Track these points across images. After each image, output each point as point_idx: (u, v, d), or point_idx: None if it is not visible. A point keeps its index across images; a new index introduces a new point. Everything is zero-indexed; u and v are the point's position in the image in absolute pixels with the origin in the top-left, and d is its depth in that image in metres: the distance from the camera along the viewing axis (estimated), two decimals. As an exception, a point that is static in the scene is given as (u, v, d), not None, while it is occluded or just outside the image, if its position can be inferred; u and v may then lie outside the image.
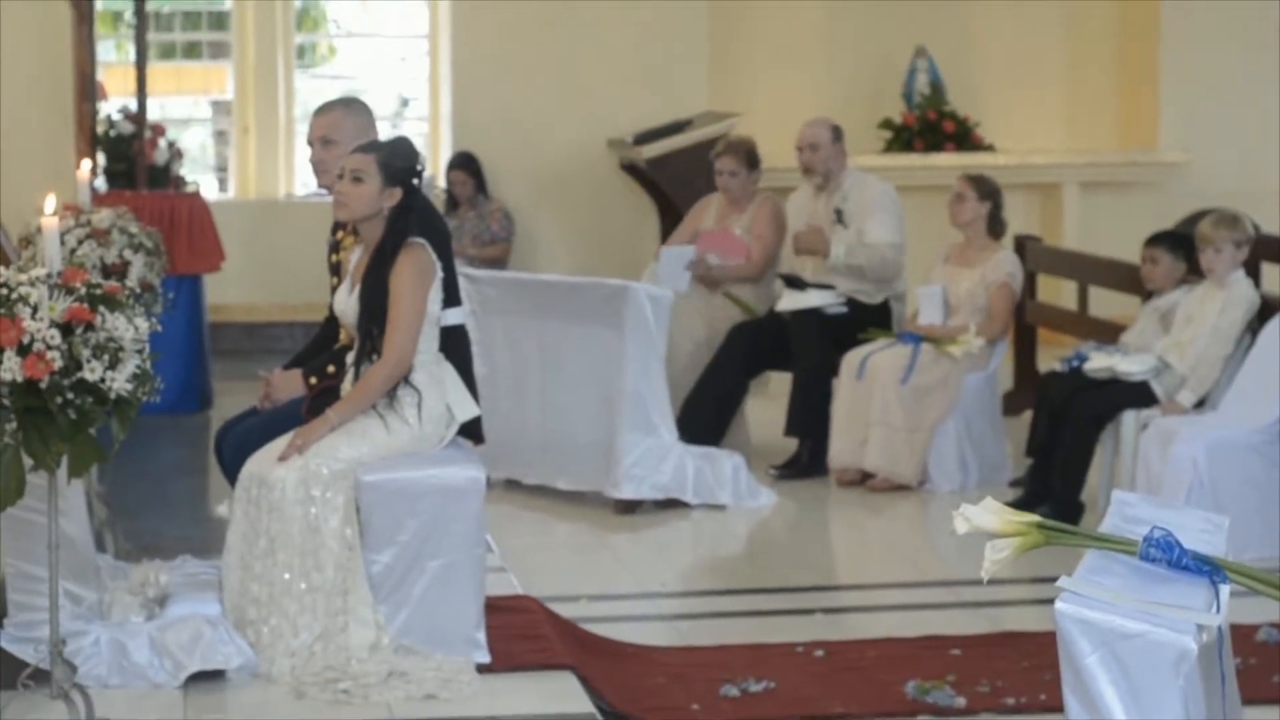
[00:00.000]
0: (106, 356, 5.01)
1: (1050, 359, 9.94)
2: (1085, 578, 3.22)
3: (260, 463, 6.06)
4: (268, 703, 5.75)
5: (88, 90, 11.48)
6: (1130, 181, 13.51)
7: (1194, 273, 8.59)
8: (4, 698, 5.41)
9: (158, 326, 5.31)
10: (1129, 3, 13.73)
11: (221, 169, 14.41)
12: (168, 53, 14.34)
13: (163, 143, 12.05)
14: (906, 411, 9.15)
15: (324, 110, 6.64)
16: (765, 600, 7.37)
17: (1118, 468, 8.45)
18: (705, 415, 9.44)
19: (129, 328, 5.08)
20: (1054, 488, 8.44)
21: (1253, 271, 8.95)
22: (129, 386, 5.04)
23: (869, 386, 9.21)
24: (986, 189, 9.45)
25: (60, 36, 11.74)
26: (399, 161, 6.10)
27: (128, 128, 11.90)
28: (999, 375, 9.55)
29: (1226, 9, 13.36)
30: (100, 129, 11.80)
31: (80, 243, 7.03)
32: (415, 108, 14.53)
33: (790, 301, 9.65)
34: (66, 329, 5.00)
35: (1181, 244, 8.72)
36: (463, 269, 7.94)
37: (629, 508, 8.66)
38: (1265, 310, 8.27)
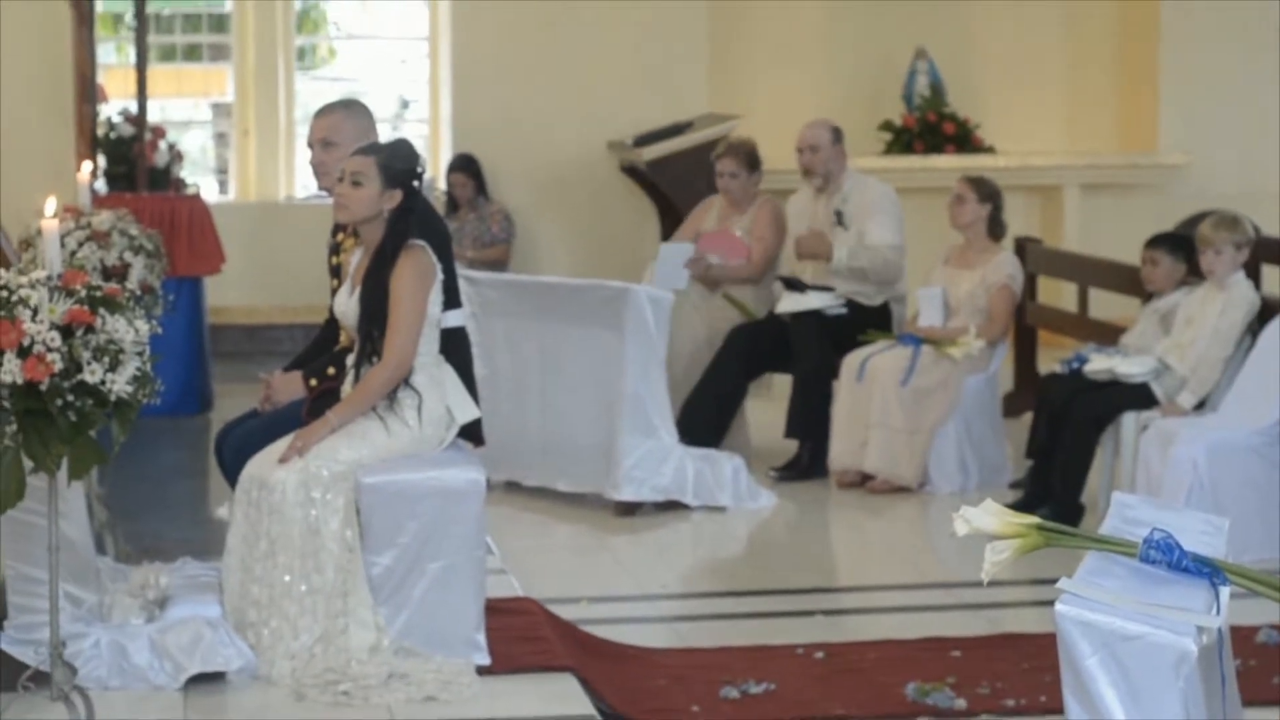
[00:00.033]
0: (107, 359, 5.01)
1: (1050, 361, 9.94)
2: (1085, 579, 3.21)
3: (260, 465, 6.06)
4: (268, 705, 5.75)
5: (88, 92, 11.48)
6: (1130, 183, 13.51)
7: (1194, 274, 8.59)
8: (4, 700, 5.41)
9: (158, 329, 5.30)
10: (1129, 3, 13.74)
11: (222, 171, 14.42)
12: (168, 55, 14.35)
13: (163, 145, 12.06)
14: (906, 413, 9.15)
15: (324, 112, 6.64)
16: (765, 602, 7.37)
17: (1118, 469, 8.45)
18: (705, 417, 9.44)
19: (129, 330, 5.08)
20: (1054, 489, 8.44)
21: (1253, 273, 8.95)
22: (129, 389, 5.04)
23: (869, 388, 9.22)
24: (986, 191, 9.46)
25: (60, 38, 11.75)
26: (399, 164, 6.10)
27: (128, 130, 11.91)
28: (999, 377, 9.55)
29: (1226, 9, 13.36)
30: (101, 131, 11.81)
31: (80, 245, 7.03)
32: (415, 110, 14.54)
33: (789, 304, 9.65)
34: (67, 331, 5.00)
35: (1181, 246, 8.72)
36: (463, 271, 7.94)
37: (629, 510, 8.66)
38: (1265, 312, 8.27)
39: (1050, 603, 3.20)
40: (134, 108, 11.79)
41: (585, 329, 8.80)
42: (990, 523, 3.36)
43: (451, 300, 6.29)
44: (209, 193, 13.53)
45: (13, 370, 4.93)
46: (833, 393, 9.42)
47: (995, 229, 9.48)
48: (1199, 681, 3.06)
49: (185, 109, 14.80)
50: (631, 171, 12.77)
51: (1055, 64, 13.83)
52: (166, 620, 6.01)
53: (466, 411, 6.24)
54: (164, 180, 11.89)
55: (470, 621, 6.06)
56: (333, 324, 6.53)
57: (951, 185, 9.65)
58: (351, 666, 5.86)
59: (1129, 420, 8.34)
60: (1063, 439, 8.42)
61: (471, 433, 6.31)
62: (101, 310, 5.06)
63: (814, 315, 9.57)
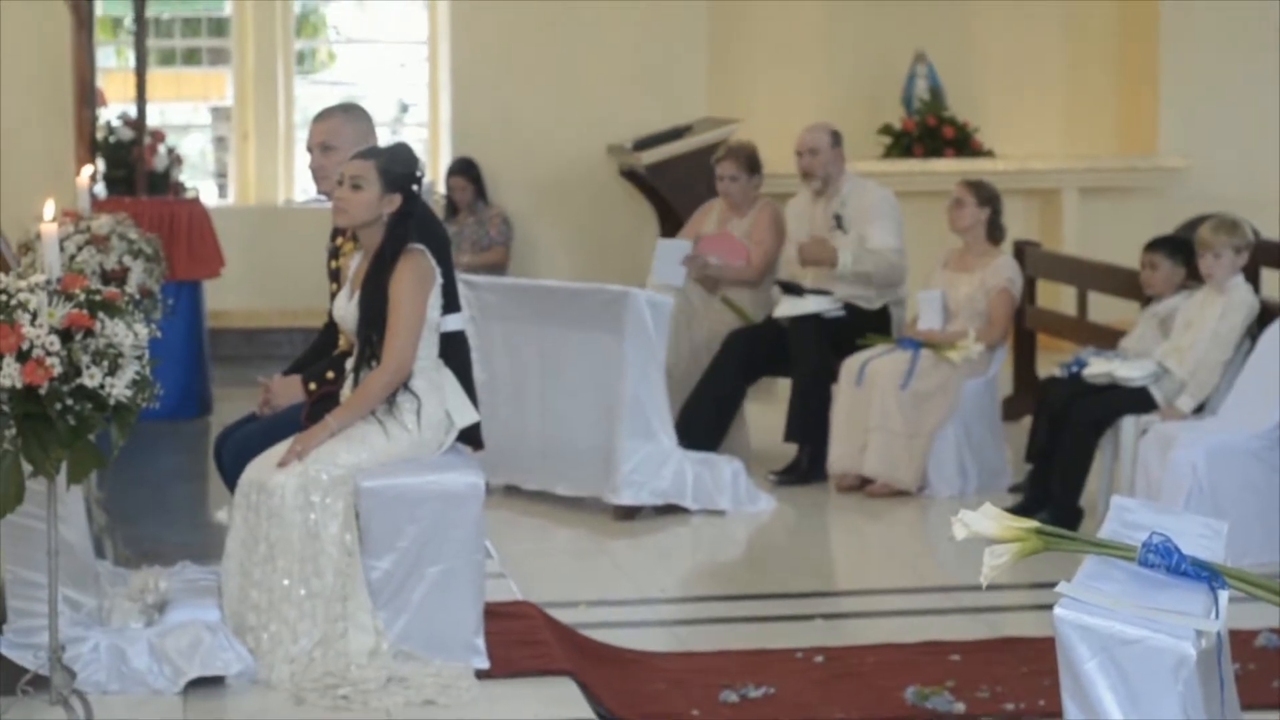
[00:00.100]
0: (106, 362, 5.01)
1: (1049, 364, 9.94)
2: (1084, 583, 3.21)
3: (260, 469, 6.06)
4: (267, 709, 5.75)
5: (87, 96, 11.48)
6: (1129, 187, 13.52)
7: (1193, 278, 8.59)
8: (3, 703, 5.41)
9: (157, 333, 5.31)
10: (1129, 3, 13.74)
11: (221, 175, 14.42)
12: (167, 59, 14.35)
13: (162, 149, 12.05)
14: (906, 417, 9.15)
15: (324, 116, 6.64)
16: (764, 606, 7.37)
17: (1117, 473, 8.45)
18: (703, 421, 9.44)
19: (128, 334, 5.08)
20: (1053, 493, 8.44)
21: (1252, 277, 8.96)
22: (128, 392, 5.04)
23: (868, 392, 9.22)
24: (986, 194, 9.46)
25: (60, 42, 11.75)
26: (398, 168, 6.10)
27: (127, 134, 11.91)
28: (998, 380, 9.55)
29: (1226, 9, 13.37)
30: (100, 135, 11.81)
31: (80, 249, 7.03)
32: (415, 113, 14.53)
33: (787, 308, 9.65)
34: (66, 335, 5.00)
35: (1181, 249, 8.73)
36: (462, 275, 7.95)
37: (628, 513, 8.66)
38: (1265, 315, 8.27)
39: (1049, 606, 3.20)
40: (133, 112, 11.79)
41: (584, 333, 8.80)
42: (989, 527, 3.36)
43: (451, 304, 6.29)
44: (208, 197, 13.53)
45: (12, 374, 4.93)
46: (832, 396, 9.42)
47: (994, 232, 9.48)
48: (1198, 685, 3.06)
49: (184, 113, 14.79)
50: (631, 175, 12.77)
51: (1055, 66, 13.84)
52: (165, 624, 6.01)
53: (466, 415, 6.24)
54: (163, 184, 11.89)
55: (469, 625, 6.06)
56: (332, 328, 6.53)
57: (950, 189, 9.66)
58: (351, 670, 5.86)
59: (1128, 424, 8.34)
60: (1062, 443, 8.42)
61: (471, 436, 6.32)
62: (101, 314, 5.06)
63: (813, 319, 9.57)
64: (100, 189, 11.51)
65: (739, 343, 9.65)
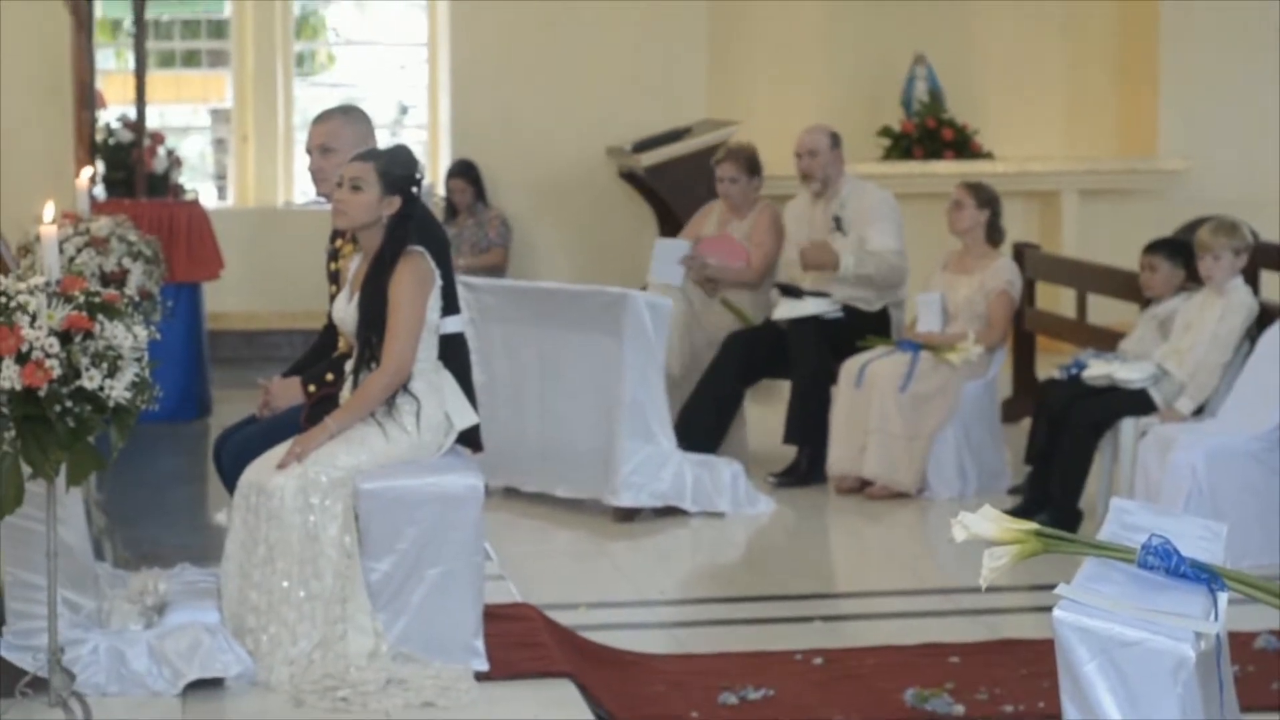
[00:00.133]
0: (105, 364, 5.01)
1: (1049, 366, 9.94)
2: (1083, 585, 3.21)
3: (259, 471, 6.06)
4: (266, 711, 5.75)
5: (87, 98, 11.48)
6: (1129, 189, 13.52)
7: (1193, 280, 8.59)
8: (3, 705, 5.41)
9: (156, 334, 5.31)
10: (1129, 3, 13.75)
11: (220, 177, 14.42)
12: (167, 61, 14.35)
13: (162, 151, 12.05)
14: (905, 419, 9.15)
15: (323, 118, 6.64)
16: (764, 608, 7.36)
17: (1116, 475, 8.45)
18: (702, 422, 9.44)
19: (128, 336, 5.08)
20: (1053, 495, 8.44)
21: (1251, 279, 8.95)
22: (128, 394, 5.04)
23: (868, 394, 9.21)
24: (985, 196, 9.46)
25: (59, 44, 11.75)
26: (398, 170, 6.10)
27: (127, 136, 11.90)
28: (998, 383, 9.55)
29: (1226, 9, 13.37)
30: (99, 137, 11.80)
31: (79, 251, 7.03)
32: (414, 115, 14.54)
33: (785, 310, 9.65)
34: (65, 337, 5.00)
35: (1180, 251, 8.73)
36: (461, 277, 7.95)
37: (628, 515, 8.66)
38: (1264, 317, 8.27)
39: (1048, 608, 3.20)
40: (133, 113, 11.79)
41: (584, 335, 8.80)
42: (989, 528, 3.36)
43: (450, 306, 6.29)
44: (208, 198, 13.53)
45: (11, 376, 4.93)
46: (831, 398, 9.42)
47: (994, 234, 9.48)
48: (1197, 687, 3.06)
49: (184, 115, 14.79)
50: (630, 177, 12.77)
51: (1055, 67, 13.84)
52: (165, 626, 6.01)
53: (465, 417, 6.24)
54: (163, 186, 11.88)
55: (469, 627, 6.06)
56: (331, 330, 6.53)
57: (950, 191, 9.66)
58: (350, 672, 5.86)
59: (1128, 426, 8.34)
60: (1061, 444, 8.42)
61: (470, 438, 6.31)
62: (100, 316, 5.06)
63: (812, 320, 9.57)
64: (100, 191, 11.51)
65: (738, 345, 9.65)
